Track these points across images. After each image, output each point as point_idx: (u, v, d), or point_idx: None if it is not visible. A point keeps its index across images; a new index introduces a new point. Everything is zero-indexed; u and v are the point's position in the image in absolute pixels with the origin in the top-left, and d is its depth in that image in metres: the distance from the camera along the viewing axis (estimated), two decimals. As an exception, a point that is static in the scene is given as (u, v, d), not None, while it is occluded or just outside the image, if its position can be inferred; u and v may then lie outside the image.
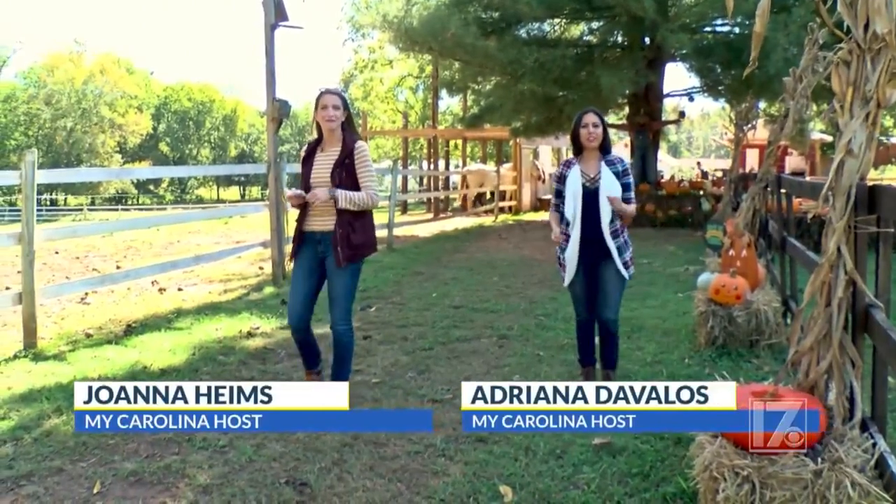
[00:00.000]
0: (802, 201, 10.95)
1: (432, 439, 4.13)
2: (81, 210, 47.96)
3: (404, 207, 28.07)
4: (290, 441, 4.13)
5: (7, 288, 9.56)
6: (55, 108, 57.73)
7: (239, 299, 8.67)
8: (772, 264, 7.61)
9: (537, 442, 4.04)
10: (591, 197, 4.71)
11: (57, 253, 14.63)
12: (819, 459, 2.75)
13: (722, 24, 18.48)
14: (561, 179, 4.86)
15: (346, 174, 4.54)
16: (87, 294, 8.96)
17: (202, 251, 12.20)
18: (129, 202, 61.38)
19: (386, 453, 4.00)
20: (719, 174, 25.42)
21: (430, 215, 24.90)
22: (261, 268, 11.20)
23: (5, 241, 6.69)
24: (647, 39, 18.29)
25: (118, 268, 11.80)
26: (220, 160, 68.69)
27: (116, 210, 49.63)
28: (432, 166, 30.10)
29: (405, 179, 27.29)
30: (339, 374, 4.67)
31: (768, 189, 7.27)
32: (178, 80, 72.18)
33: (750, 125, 9.85)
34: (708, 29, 18.70)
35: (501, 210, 24.52)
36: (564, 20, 20.85)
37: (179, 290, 9.45)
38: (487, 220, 22.61)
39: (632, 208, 4.78)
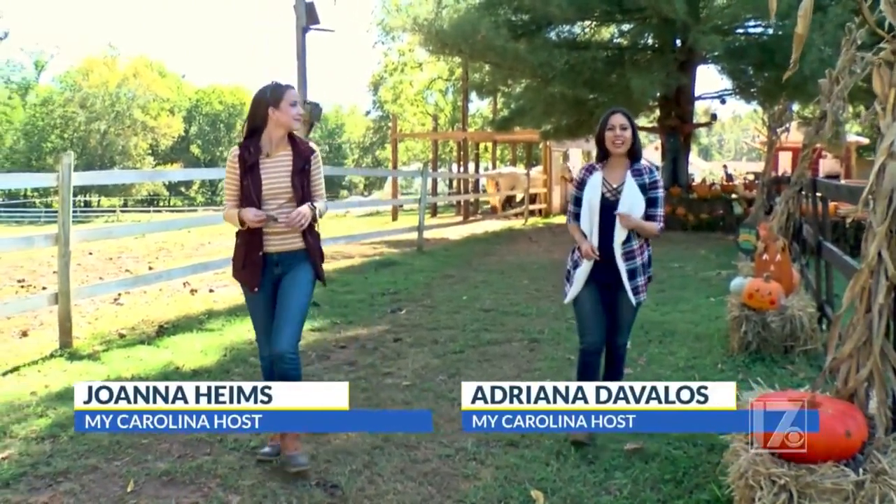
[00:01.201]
0: (839, 205, 10.81)
1: (463, 442, 4.12)
2: (114, 211, 48.58)
3: (434, 210, 28.10)
4: (320, 443, 4.14)
5: (44, 288, 9.71)
6: (90, 112, 58.52)
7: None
8: (806, 269, 7.51)
9: (569, 446, 4.01)
10: (609, 210, 4.11)
11: (91, 254, 14.81)
12: (861, 470, 2.68)
13: (755, 26, 18.30)
14: (581, 186, 4.26)
15: (306, 181, 3.90)
16: (120, 295, 9.06)
17: (232, 253, 12.25)
18: (161, 204, 61.99)
19: (417, 456, 3.99)
20: (751, 177, 25.16)
21: (460, 218, 24.89)
22: (291, 269, 11.22)
23: (43, 241, 6.78)
24: (678, 41, 18.15)
25: (150, 269, 11.92)
26: (251, 162, 69.09)
27: (148, 212, 50.23)
28: (462, 169, 30.10)
29: (435, 182, 27.33)
30: None
31: (802, 192, 7.17)
32: (210, 82, 72.98)
33: (783, 127, 9.75)
34: (740, 30, 18.49)
35: (531, 213, 24.46)
36: (595, 22, 20.73)
37: (210, 291, 9.52)
38: (517, 223, 22.56)
39: (654, 226, 4.14)
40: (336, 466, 3.85)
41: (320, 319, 7.52)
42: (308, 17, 9.64)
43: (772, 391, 3.35)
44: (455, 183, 30.84)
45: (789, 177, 7.76)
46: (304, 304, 3.86)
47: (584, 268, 4.17)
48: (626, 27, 20.88)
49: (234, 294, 9.25)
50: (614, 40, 21.52)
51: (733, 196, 18.68)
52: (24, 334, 7.06)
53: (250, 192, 3.81)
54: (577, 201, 4.28)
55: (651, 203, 4.12)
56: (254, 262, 3.88)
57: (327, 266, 12.17)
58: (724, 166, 39.28)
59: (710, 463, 3.76)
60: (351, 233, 14.83)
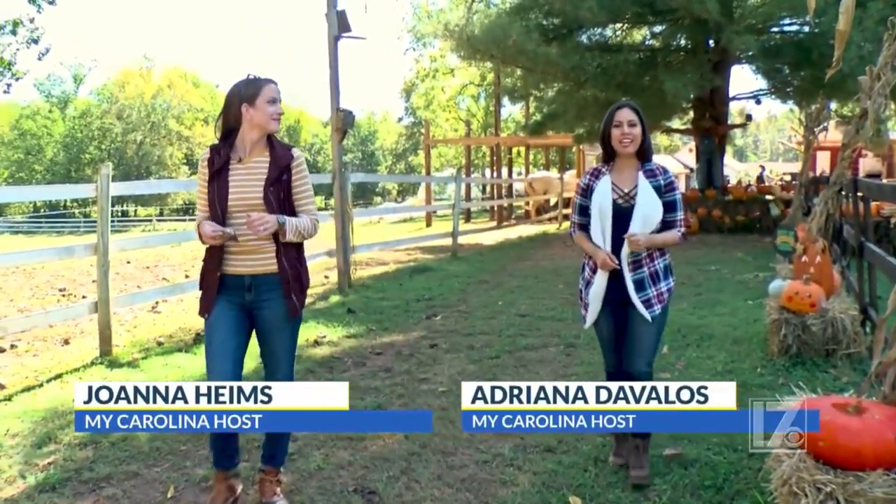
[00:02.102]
0: (882, 205, 10.60)
1: (500, 448, 4.10)
2: (151, 221, 49.27)
3: (468, 216, 28.10)
4: (357, 449, 4.15)
5: (84, 297, 9.87)
6: (126, 123, 59.43)
7: (305, 308, 8.74)
8: (847, 270, 7.37)
9: (607, 452, 3.97)
10: (622, 218, 3.64)
11: (129, 263, 15.04)
12: (914, 480, 2.60)
13: (790, 24, 18.03)
14: (587, 193, 3.78)
15: (283, 194, 3.34)
16: (157, 303, 9.19)
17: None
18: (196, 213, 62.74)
19: (454, 462, 3.98)
20: (787, 178, 24.82)
21: (494, 223, 24.87)
22: (326, 276, 11.31)
23: (83, 251, 6.89)
24: (711, 42, 17.96)
25: (187, 277, 12.07)
26: (285, 170, 69.58)
27: (184, 220, 50.77)
28: (495, 174, 30.08)
29: (468, 187, 27.31)
30: (277, 457, 3.55)
31: (842, 192, 7.04)
32: (244, 92, 73.39)
33: (821, 127, 9.59)
34: (775, 29, 18.22)
35: (565, 217, 24.35)
36: (626, 25, 20.61)
37: (247, 298, 9.59)
38: (551, 228, 22.48)
39: (674, 236, 3.69)
40: (373, 473, 3.86)
41: (356, 326, 7.55)
42: (340, 26, 9.68)
43: (814, 396, 3.29)
44: (488, 188, 30.81)
45: (828, 177, 7.64)
46: (290, 347, 3.48)
47: (598, 286, 3.76)
48: (658, 29, 20.70)
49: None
50: (646, 42, 21.38)
51: (770, 197, 18.42)
52: (66, 342, 7.19)
53: (214, 202, 3.29)
54: (583, 210, 3.82)
55: (669, 207, 3.67)
56: (209, 284, 3.35)
57: (363, 273, 12.16)
58: (762, 167, 38.74)
59: (751, 469, 3.70)
60: (385, 239, 14.89)
